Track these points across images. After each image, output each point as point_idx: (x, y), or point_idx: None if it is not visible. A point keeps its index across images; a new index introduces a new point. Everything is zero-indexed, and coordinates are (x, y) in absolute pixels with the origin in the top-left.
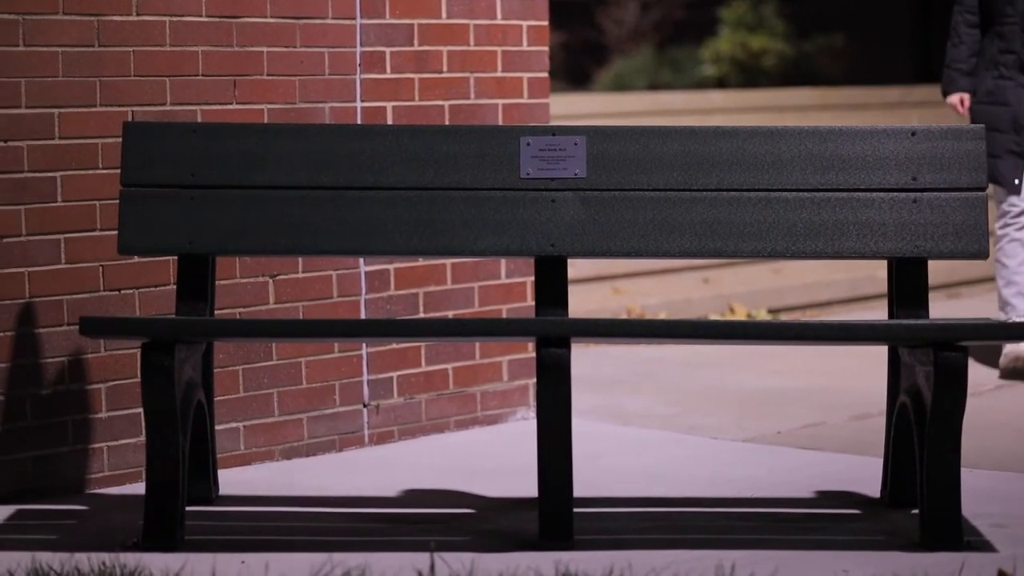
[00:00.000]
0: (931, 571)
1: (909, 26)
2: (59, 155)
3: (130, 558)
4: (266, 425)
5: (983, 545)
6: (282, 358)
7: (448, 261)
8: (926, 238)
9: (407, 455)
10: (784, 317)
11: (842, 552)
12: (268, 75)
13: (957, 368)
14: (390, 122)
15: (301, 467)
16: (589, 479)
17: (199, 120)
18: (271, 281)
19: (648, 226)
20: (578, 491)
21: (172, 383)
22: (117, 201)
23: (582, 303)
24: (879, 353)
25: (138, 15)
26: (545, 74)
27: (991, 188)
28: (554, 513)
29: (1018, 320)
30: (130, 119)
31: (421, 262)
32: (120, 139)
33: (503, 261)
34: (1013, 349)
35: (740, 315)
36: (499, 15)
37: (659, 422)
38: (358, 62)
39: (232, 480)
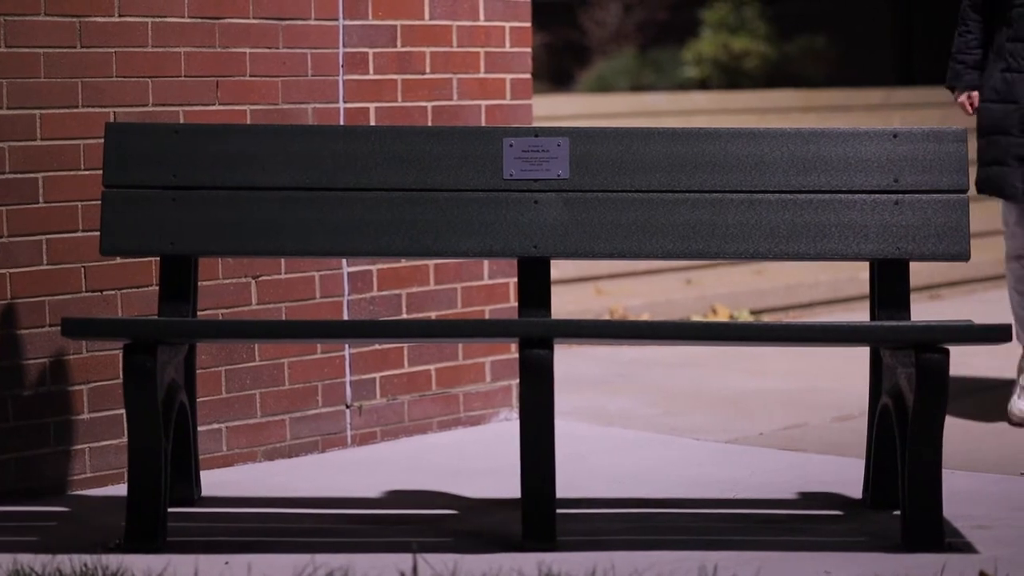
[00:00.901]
0: (912, 572)
1: (890, 28)
2: (41, 156)
3: (112, 559)
4: (249, 426)
5: (965, 546)
6: (264, 359)
7: (431, 262)
8: (908, 240)
9: (390, 456)
10: (766, 318)
11: (824, 553)
12: (251, 76)
13: (939, 370)
14: (373, 123)
15: (284, 468)
16: (572, 480)
17: (181, 121)
18: (254, 282)
19: (631, 227)
20: (561, 492)
21: (154, 385)
22: (99, 202)
23: (564, 304)
24: (861, 354)
25: (120, 16)
26: (528, 75)
27: (1003, 208)
28: (537, 514)
29: None
30: (112, 120)
31: (404, 263)
32: (102, 140)
33: (486, 262)
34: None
35: (722, 316)
36: (482, 16)
37: (642, 423)
38: (341, 63)
39: (215, 481)
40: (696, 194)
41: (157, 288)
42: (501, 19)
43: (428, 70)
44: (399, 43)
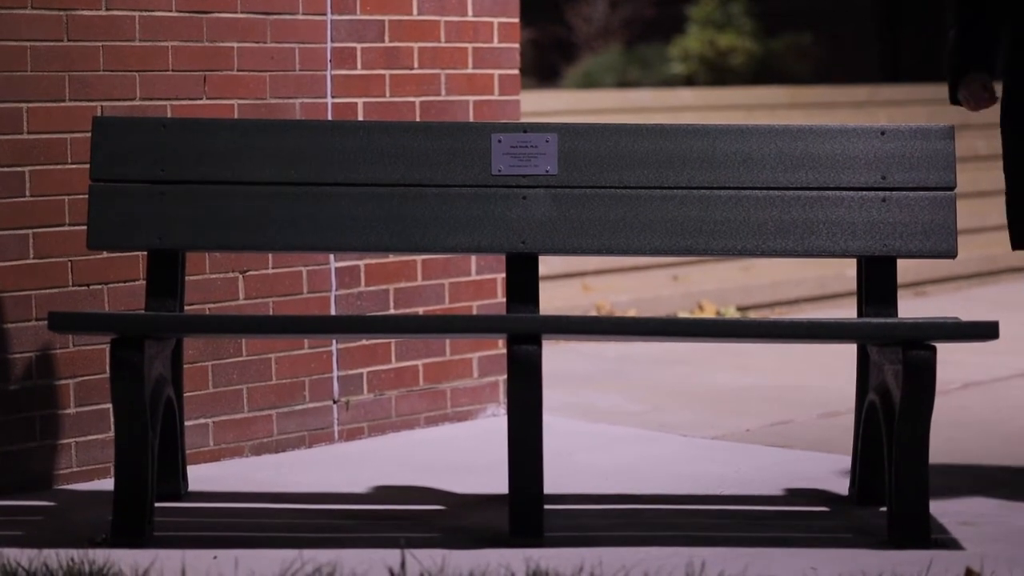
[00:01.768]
0: (899, 569)
1: (876, 26)
2: (27, 150)
3: (99, 554)
4: (235, 421)
5: (951, 543)
6: (252, 354)
7: (419, 258)
8: (895, 237)
9: (377, 451)
10: (753, 315)
11: (811, 550)
12: (238, 70)
13: (926, 367)
14: (361, 118)
15: (270, 463)
16: (559, 476)
17: (169, 115)
18: (241, 277)
19: (619, 223)
20: (548, 488)
21: (141, 379)
22: (86, 196)
23: (551, 300)
24: (847, 351)
25: (107, 10)
26: (516, 71)
27: None
28: (525, 510)
29: None
30: (99, 114)
31: (391, 258)
32: (89, 134)
33: (473, 258)
34: None
35: (709, 312)
36: (470, 12)
37: (629, 419)
38: (328, 58)
39: (201, 476)
40: (684, 190)
41: (144, 283)
42: (489, 15)
43: (416, 65)
44: (387, 38)
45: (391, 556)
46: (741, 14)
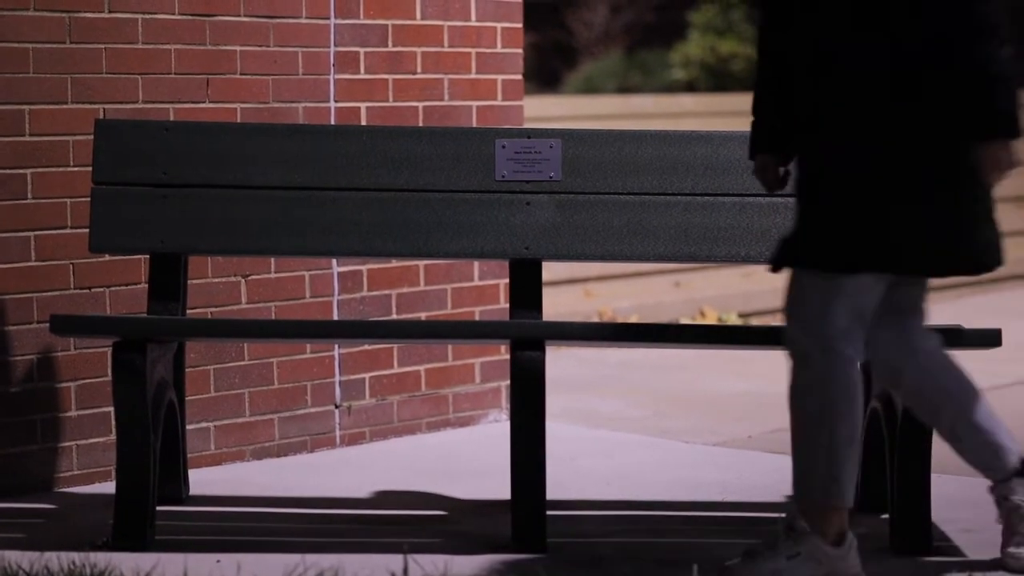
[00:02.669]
0: None
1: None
2: (30, 152)
3: (100, 557)
4: (237, 425)
5: (952, 550)
6: (254, 358)
7: (421, 263)
8: None
9: (379, 456)
10: (755, 321)
11: None
12: (241, 74)
13: None
14: (364, 123)
15: (272, 468)
16: (561, 481)
17: (171, 118)
18: (243, 281)
19: (623, 230)
20: (550, 493)
21: (143, 383)
22: (88, 199)
23: (553, 305)
24: None
25: (110, 12)
26: (519, 76)
27: None
28: (527, 516)
29: None
30: (101, 116)
31: (394, 263)
32: (91, 136)
33: (476, 263)
34: None
35: (711, 319)
36: (473, 17)
37: (631, 425)
38: (332, 62)
39: (203, 480)
40: (688, 197)
41: (146, 286)
42: (492, 20)
43: (419, 70)
44: (390, 43)
45: (394, 561)
46: (742, 20)
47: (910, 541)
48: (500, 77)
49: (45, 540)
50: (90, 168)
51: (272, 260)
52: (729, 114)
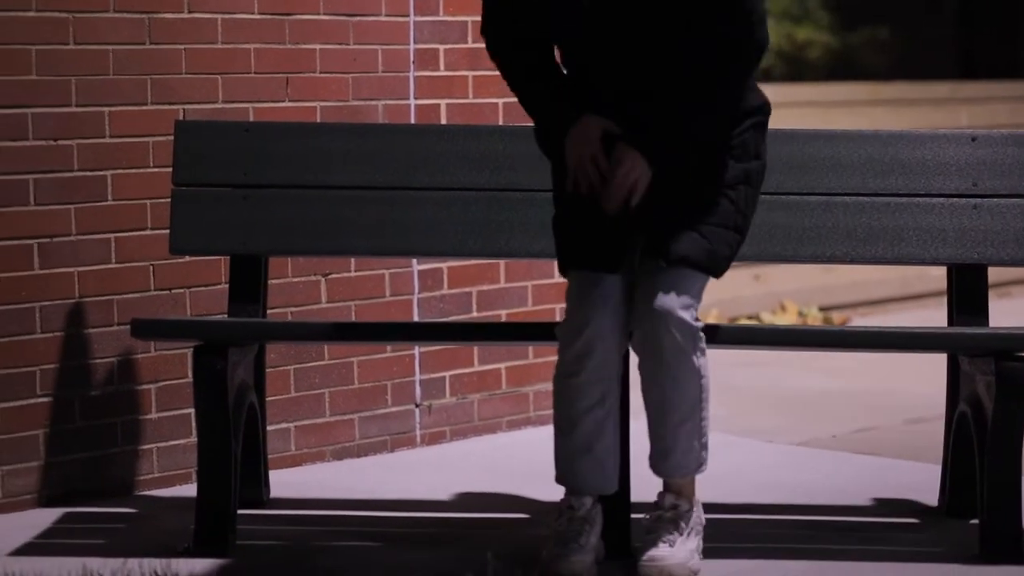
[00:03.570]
0: None
1: (953, 21)
2: (109, 154)
3: (182, 565)
4: (317, 426)
5: None
6: (334, 358)
7: (501, 260)
8: (986, 245)
9: (461, 456)
10: (835, 315)
11: (902, 564)
12: (321, 72)
13: (1018, 378)
14: (444, 120)
15: (353, 468)
16: (643, 483)
17: (251, 118)
18: (323, 280)
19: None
20: (633, 495)
21: (225, 387)
22: (168, 200)
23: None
24: (934, 355)
25: (189, 12)
26: None
27: None
28: (610, 520)
29: None
30: (181, 117)
31: (474, 261)
32: (171, 137)
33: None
34: None
35: (791, 312)
36: None
37: (711, 424)
38: (411, 59)
39: (283, 481)
40: (772, 196)
41: (226, 286)
42: None
43: None
44: (470, 39)
45: (476, 564)
46: (818, 7)
47: (1001, 548)
48: None
49: (127, 546)
50: (170, 169)
51: (352, 259)
52: (807, 104)
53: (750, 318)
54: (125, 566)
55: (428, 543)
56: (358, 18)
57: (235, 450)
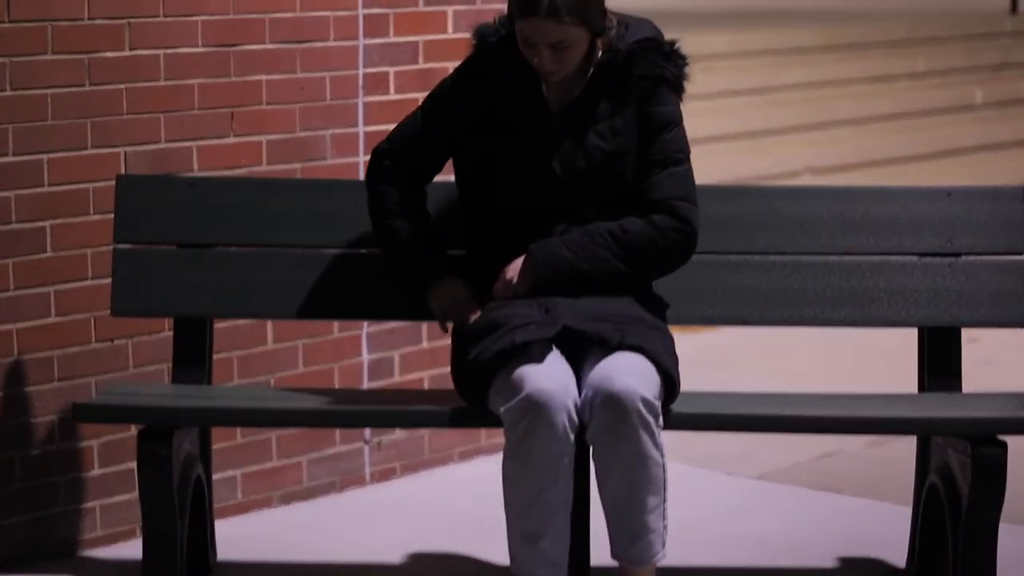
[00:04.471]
0: None
1: None
2: (48, 203)
3: None
4: (264, 471)
5: None
6: None
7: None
8: (961, 305)
9: (412, 500)
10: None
11: None
12: (267, 104)
13: (996, 465)
14: None
15: (302, 515)
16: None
17: (195, 157)
18: (269, 321)
19: (667, 292)
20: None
21: (170, 470)
22: (110, 248)
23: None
24: (897, 369)
25: (131, 50)
26: None
27: None
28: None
29: None
30: (123, 160)
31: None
32: (112, 183)
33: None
34: None
35: None
36: None
37: (673, 447)
38: (360, 84)
39: (229, 535)
40: (738, 256)
41: (169, 334)
42: None
43: None
44: (421, 59)
45: None
46: None
47: None
48: None
49: None
50: (111, 216)
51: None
52: (759, 53)
53: None
54: None
55: None
56: (306, 44)
57: (181, 532)
